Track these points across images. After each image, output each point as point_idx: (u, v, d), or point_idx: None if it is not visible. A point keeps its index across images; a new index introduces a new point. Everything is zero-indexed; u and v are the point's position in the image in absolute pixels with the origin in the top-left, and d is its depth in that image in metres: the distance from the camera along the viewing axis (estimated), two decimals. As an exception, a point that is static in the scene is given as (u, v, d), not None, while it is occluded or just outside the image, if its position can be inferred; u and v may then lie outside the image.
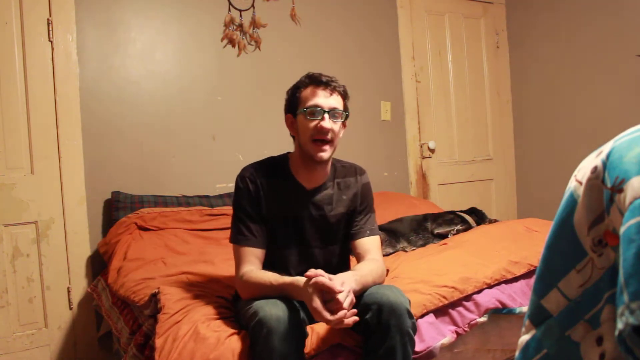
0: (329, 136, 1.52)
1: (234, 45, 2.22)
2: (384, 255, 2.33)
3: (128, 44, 2.68)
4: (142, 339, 1.62)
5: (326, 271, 1.39)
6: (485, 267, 1.81)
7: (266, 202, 1.57)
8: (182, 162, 2.78)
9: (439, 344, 1.56)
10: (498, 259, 1.89)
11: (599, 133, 3.28)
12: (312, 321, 1.39)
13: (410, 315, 1.35)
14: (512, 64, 3.93)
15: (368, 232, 1.64)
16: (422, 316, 1.58)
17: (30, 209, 2.38)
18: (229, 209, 2.45)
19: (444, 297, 1.63)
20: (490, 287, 1.75)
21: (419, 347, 1.50)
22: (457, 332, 1.63)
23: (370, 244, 1.63)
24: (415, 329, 1.38)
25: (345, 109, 1.59)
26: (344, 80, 3.41)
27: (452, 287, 1.67)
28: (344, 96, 1.60)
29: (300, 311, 1.35)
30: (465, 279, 1.71)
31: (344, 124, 1.60)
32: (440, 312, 1.64)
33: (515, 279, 1.83)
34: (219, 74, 2.91)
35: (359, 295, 1.39)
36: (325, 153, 1.53)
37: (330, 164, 1.64)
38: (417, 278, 1.78)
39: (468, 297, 1.69)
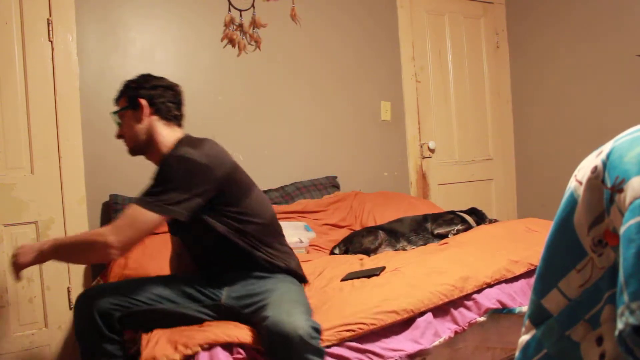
0: (123, 139, 1.69)
1: (234, 45, 2.22)
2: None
3: (128, 44, 2.68)
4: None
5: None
6: (485, 267, 1.81)
7: None
8: (182, 162, 2.78)
9: (432, 346, 1.56)
10: (498, 258, 1.89)
11: (599, 133, 3.28)
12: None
13: (304, 342, 1.27)
14: (512, 64, 3.93)
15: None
16: (421, 314, 1.59)
17: (30, 209, 2.38)
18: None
19: (444, 295, 1.64)
20: (490, 286, 1.75)
21: (412, 347, 1.51)
22: (456, 331, 1.64)
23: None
24: (318, 353, 1.30)
25: (123, 105, 1.66)
26: (343, 80, 3.42)
27: (452, 286, 1.68)
28: (121, 96, 1.68)
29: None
30: (465, 278, 1.72)
31: (135, 115, 1.64)
32: (441, 310, 1.64)
33: (516, 279, 1.83)
34: (219, 74, 2.91)
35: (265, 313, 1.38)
36: (127, 148, 1.70)
37: (158, 155, 1.64)
38: (416, 275, 1.80)
39: (468, 297, 1.70)
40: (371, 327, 1.48)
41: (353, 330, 1.46)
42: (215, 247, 1.64)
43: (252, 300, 1.52)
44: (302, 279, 1.73)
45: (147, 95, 1.64)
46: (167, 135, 1.64)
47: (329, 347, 1.42)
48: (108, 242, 1.43)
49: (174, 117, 1.69)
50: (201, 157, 1.51)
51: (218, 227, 1.57)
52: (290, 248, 1.77)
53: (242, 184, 1.63)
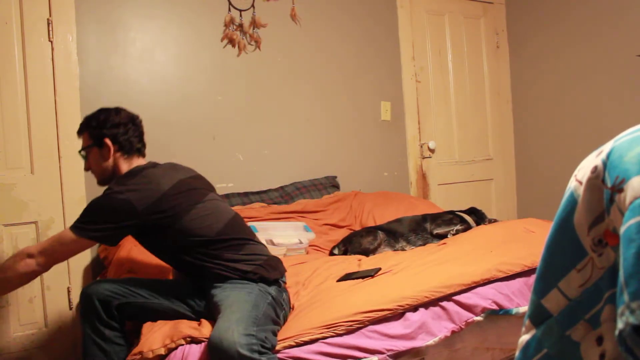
0: (90, 171, 1.85)
1: (234, 45, 2.22)
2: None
3: (128, 44, 2.68)
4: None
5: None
6: (477, 266, 1.82)
7: None
8: (182, 162, 2.76)
9: (425, 345, 1.57)
10: (490, 258, 1.90)
11: (599, 133, 3.28)
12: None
13: (242, 357, 1.30)
14: (512, 64, 3.93)
15: None
16: (414, 310, 1.61)
17: (30, 209, 2.38)
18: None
19: (430, 293, 1.65)
20: (480, 285, 1.75)
21: (405, 345, 1.53)
22: (453, 330, 1.64)
23: None
24: None
25: (86, 142, 1.80)
26: (343, 80, 3.42)
27: (440, 284, 1.69)
28: (83, 132, 1.82)
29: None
30: (453, 277, 1.73)
31: (101, 153, 1.78)
32: (435, 309, 1.65)
33: (512, 278, 1.82)
34: (219, 74, 2.91)
35: None
36: (96, 180, 1.86)
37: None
38: (407, 275, 1.82)
39: (460, 296, 1.70)
40: (353, 324, 1.51)
41: (333, 328, 1.49)
42: (172, 262, 1.80)
43: (215, 311, 1.57)
44: (266, 280, 1.68)
45: (111, 135, 1.77)
46: (124, 169, 1.79)
47: (310, 343, 1.45)
48: (33, 255, 1.60)
49: (137, 149, 1.83)
50: (121, 194, 1.64)
51: (164, 247, 1.73)
52: (253, 252, 1.75)
53: (172, 209, 1.68)
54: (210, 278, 1.68)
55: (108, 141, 1.76)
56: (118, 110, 1.82)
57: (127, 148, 1.79)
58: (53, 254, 1.63)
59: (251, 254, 1.74)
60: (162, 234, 1.68)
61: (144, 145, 1.87)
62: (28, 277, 1.66)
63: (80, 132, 1.84)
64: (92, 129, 1.79)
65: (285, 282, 1.80)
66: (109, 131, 1.77)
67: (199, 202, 1.74)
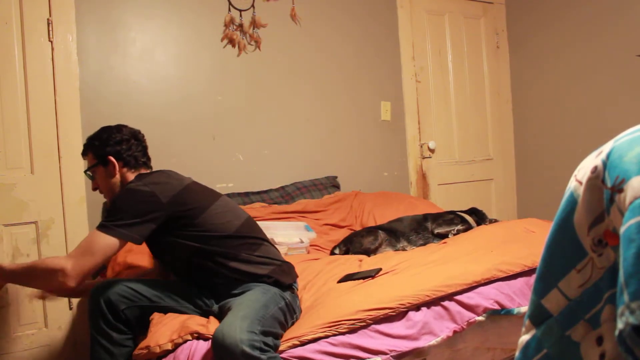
0: (98, 190, 1.85)
1: (234, 45, 2.22)
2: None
3: (128, 44, 2.68)
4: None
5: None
6: (476, 266, 1.82)
7: None
8: (181, 163, 2.78)
9: (428, 345, 1.57)
10: (490, 258, 1.90)
11: (599, 133, 3.28)
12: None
13: (245, 354, 1.29)
14: (512, 64, 3.93)
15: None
16: (417, 309, 1.61)
17: (30, 209, 2.38)
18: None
19: (431, 291, 1.65)
20: (481, 285, 1.75)
21: (407, 346, 1.53)
22: (454, 330, 1.64)
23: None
24: None
25: (91, 162, 1.81)
26: (344, 80, 3.42)
27: (441, 284, 1.69)
28: (87, 152, 1.83)
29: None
30: (453, 276, 1.73)
31: (107, 171, 1.78)
32: (437, 309, 1.65)
33: (514, 277, 1.82)
34: (219, 74, 2.91)
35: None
36: (104, 198, 1.87)
37: None
38: (407, 275, 1.83)
39: (461, 295, 1.70)
40: (355, 323, 1.51)
41: (335, 327, 1.49)
42: (187, 270, 1.75)
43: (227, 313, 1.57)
44: (281, 285, 1.69)
45: (114, 152, 1.78)
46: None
47: (313, 341, 1.45)
48: (66, 272, 1.51)
49: (143, 163, 1.84)
50: (144, 186, 1.65)
51: (182, 253, 1.70)
52: (268, 254, 1.76)
53: (194, 203, 1.69)
54: (226, 285, 1.67)
55: (112, 159, 1.77)
56: (119, 127, 1.83)
57: (132, 163, 1.80)
58: (88, 270, 1.54)
59: (266, 256, 1.74)
60: (181, 231, 1.66)
61: (149, 159, 1.88)
62: (61, 291, 1.67)
63: (84, 154, 1.85)
64: (95, 149, 1.80)
65: (297, 289, 1.79)
66: (112, 148, 1.78)
67: (216, 200, 1.77)
